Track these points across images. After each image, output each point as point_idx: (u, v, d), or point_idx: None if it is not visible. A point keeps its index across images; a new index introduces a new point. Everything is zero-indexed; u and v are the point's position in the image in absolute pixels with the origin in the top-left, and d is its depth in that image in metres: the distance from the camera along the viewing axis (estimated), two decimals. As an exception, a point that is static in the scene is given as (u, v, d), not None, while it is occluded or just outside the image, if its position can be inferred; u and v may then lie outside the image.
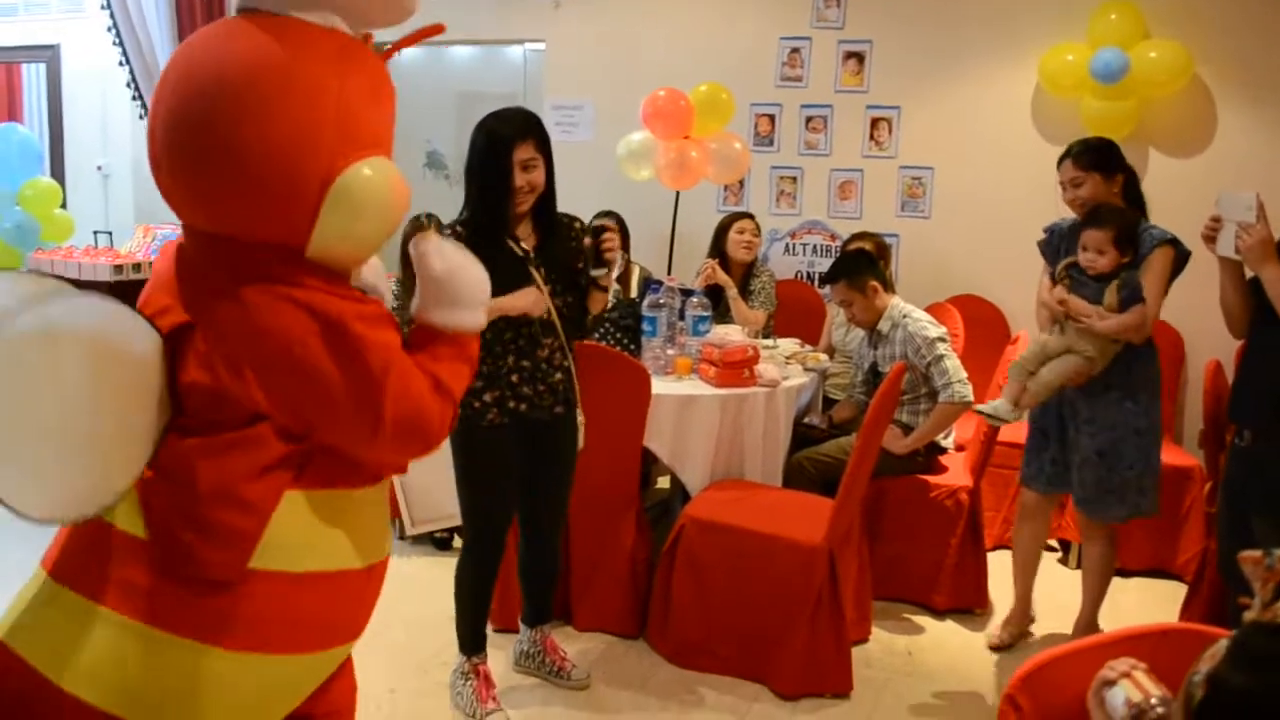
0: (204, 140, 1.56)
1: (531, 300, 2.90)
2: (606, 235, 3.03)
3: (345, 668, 1.98)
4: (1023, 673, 1.64)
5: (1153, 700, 1.40)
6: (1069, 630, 3.80)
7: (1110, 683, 1.47)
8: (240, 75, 1.57)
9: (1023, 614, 3.76)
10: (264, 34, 1.60)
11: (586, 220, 4.68)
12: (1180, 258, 3.34)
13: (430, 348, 1.78)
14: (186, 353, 1.61)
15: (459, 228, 2.92)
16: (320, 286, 1.61)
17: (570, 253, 3.05)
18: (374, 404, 1.61)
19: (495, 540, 3.09)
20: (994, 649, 3.68)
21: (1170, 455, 4.40)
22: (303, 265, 1.62)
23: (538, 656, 3.34)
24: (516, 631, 3.42)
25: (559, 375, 3.04)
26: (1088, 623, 3.59)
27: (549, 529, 3.25)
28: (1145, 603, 4.14)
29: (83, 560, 1.66)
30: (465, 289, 1.82)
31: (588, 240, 3.07)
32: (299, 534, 1.68)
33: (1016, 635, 3.72)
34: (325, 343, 1.58)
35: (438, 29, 1.84)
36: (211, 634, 1.62)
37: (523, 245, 2.97)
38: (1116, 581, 4.27)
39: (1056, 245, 3.57)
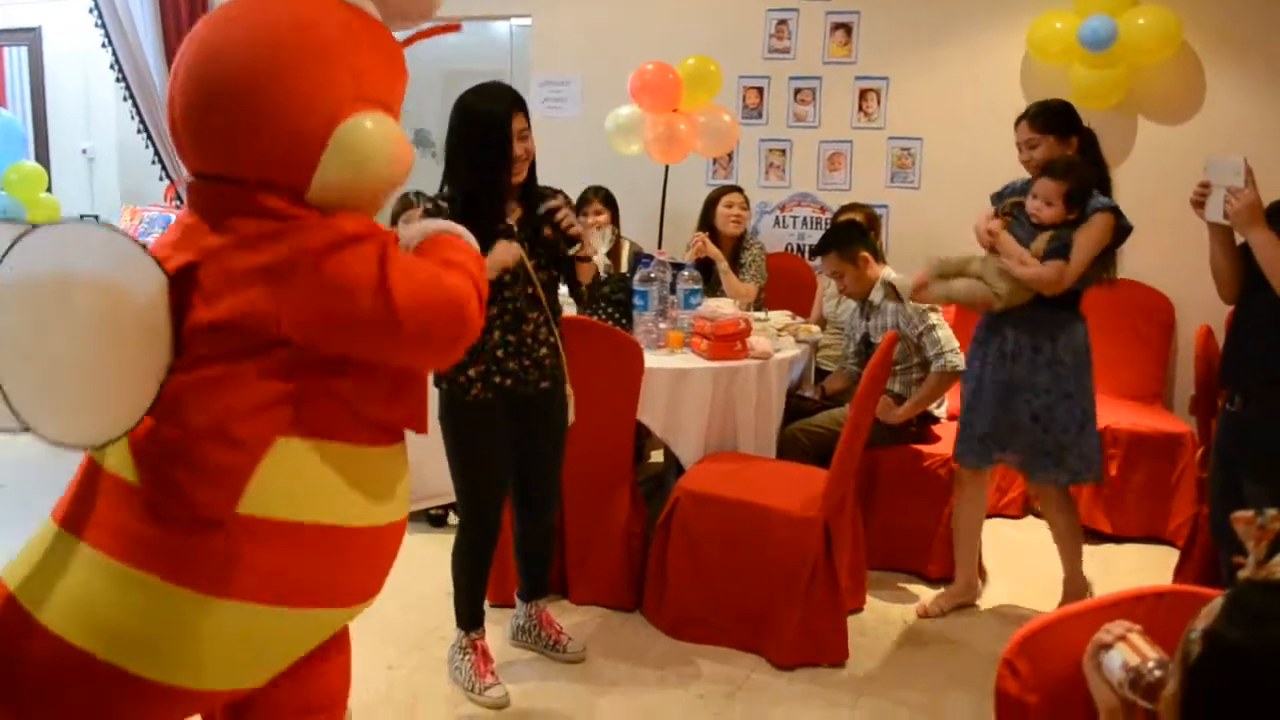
0: (227, 84, 1.69)
1: (503, 251, 2.82)
2: (560, 213, 2.95)
3: (341, 646, 1.99)
4: (1020, 637, 1.64)
5: (1150, 663, 1.41)
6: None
7: (1106, 646, 1.48)
8: (270, 26, 1.71)
9: (965, 585, 3.74)
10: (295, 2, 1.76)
11: (574, 196, 4.69)
12: (1121, 230, 3.36)
13: (427, 247, 1.86)
14: (191, 292, 1.68)
15: (442, 203, 2.89)
16: (341, 219, 1.72)
17: (544, 228, 3.02)
18: (382, 295, 1.66)
19: (489, 516, 3.08)
20: (922, 617, 3.67)
21: (1161, 421, 4.44)
22: (302, 205, 1.71)
23: (534, 631, 3.35)
24: (513, 606, 3.43)
25: (544, 350, 3.03)
26: (1075, 584, 3.61)
27: (542, 505, 3.25)
28: (1138, 568, 4.16)
29: (76, 501, 1.74)
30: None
31: (547, 230, 2.99)
32: (291, 481, 1.70)
33: (949, 607, 3.70)
34: (326, 254, 1.67)
35: (452, 27, 1.95)
36: (192, 578, 1.65)
37: (507, 220, 2.96)
38: (1110, 548, 4.32)
39: (1010, 195, 3.59)
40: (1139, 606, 1.67)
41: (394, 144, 1.75)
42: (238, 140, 1.70)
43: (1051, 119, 3.43)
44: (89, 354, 1.61)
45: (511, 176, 2.90)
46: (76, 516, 1.73)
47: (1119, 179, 4.81)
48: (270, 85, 1.67)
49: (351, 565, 1.82)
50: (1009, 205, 3.44)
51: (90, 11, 6.33)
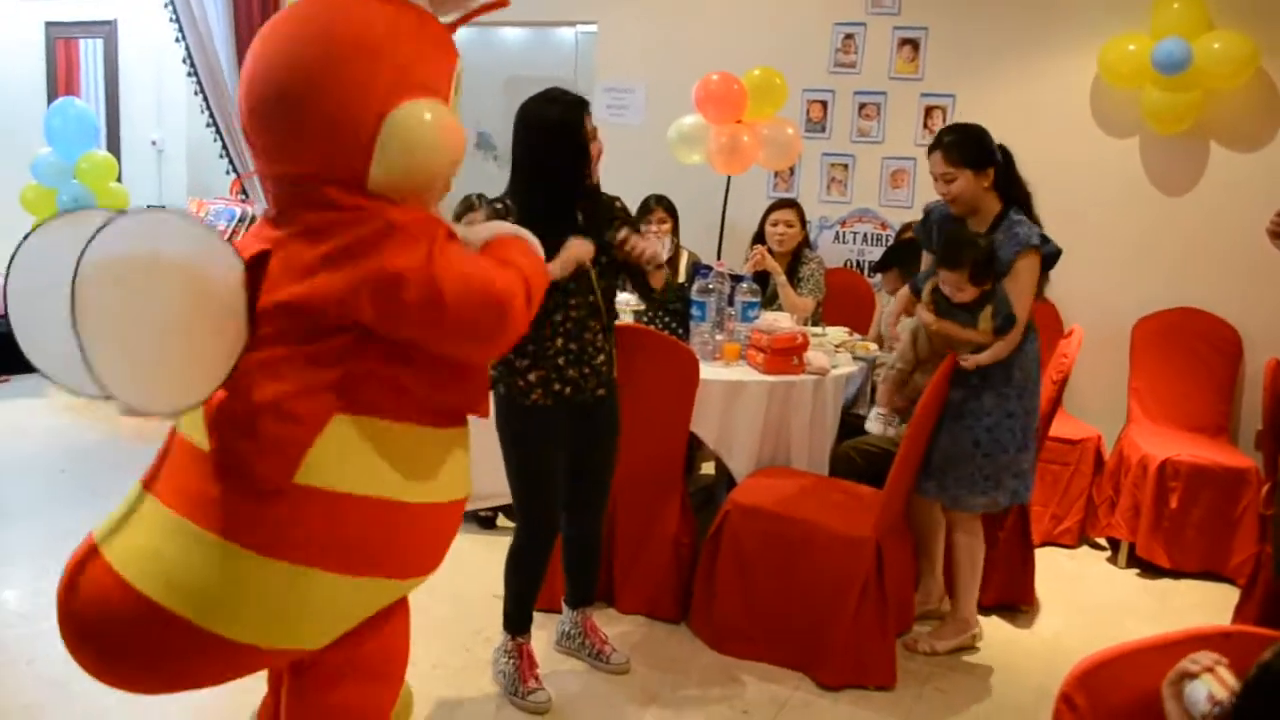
0: (280, 89, 1.83)
1: (579, 247, 2.81)
2: (629, 244, 2.94)
3: (400, 616, 2.10)
4: (1079, 671, 1.61)
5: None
6: (1121, 629, 3.77)
7: (1191, 675, 1.45)
8: (314, 32, 1.84)
9: (965, 622, 3.58)
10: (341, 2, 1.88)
11: (635, 203, 4.70)
12: (1048, 258, 3.25)
13: (491, 247, 1.98)
14: (262, 278, 1.83)
15: (503, 204, 2.90)
16: (397, 213, 1.83)
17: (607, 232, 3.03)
18: (427, 285, 1.77)
19: (548, 521, 3.08)
20: (910, 650, 3.54)
21: (1225, 455, 4.35)
22: (364, 195, 1.83)
23: (578, 638, 3.34)
24: (558, 611, 3.43)
25: (601, 358, 3.03)
26: (964, 620, 3.53)
27: (593, 512, 3.24)
28: (1195, 604, 4.08)
29: (157, 464, 1.92)
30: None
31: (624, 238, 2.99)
32: (346, 456, 1.83)
33: (944, 649, 3.54)
34: (378, 243, 1.79)
35: (502, 3, 2.01)
36: (252, 539, 1.79)
37: (579, 224, 2.96)
38: (1167, 583, 4.24)
39: (932, 228, 3.47)
40: (1207, 645, 1.62)
41: (443, 129, 1.84)
42: (297, 139, 1.84)
43: (967, 151, 3.27)
44: (170, 329, 1.74)
45: (589, 178, 2.94)
46: (153, 477, 1.90)
47: (1186, 205, 4.80)
48: (320, 83, 1.80)
49: (405, 538, 1.93)
50: (929, 297, 3.33)
51: (165, 6, 6.44)
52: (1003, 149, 3.34)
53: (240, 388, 1.81)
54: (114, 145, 7.59)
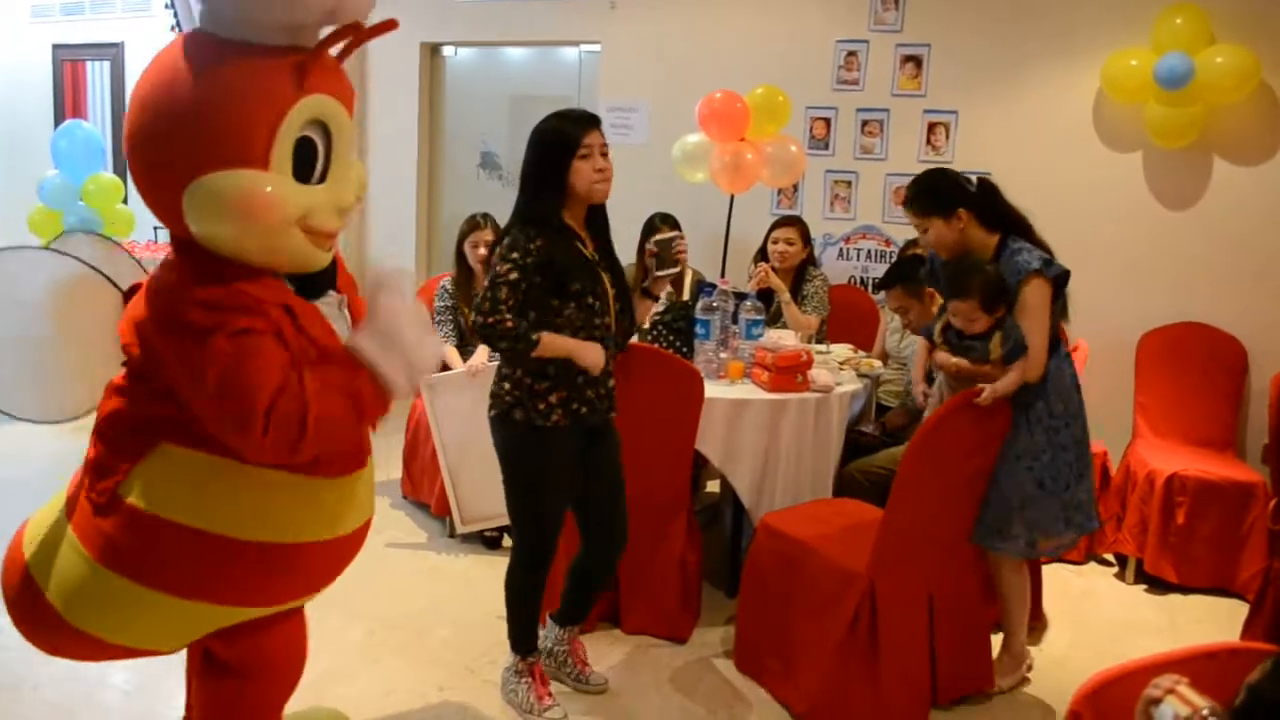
0: (125, 147, 1.92)
1: (597, 357, 2.88)
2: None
3: (281, 623, 2.25)
4: (1088, 688, 1.61)
5: (1203, 709, 1.38)
6: (1129, 646, 3.75)
7: (1156, 701, 1.45)
8: (139, 90, 1.90)
9: (1023, 652, 3.55)
10: (167, 55, 1.91)
11: (639, 222, 4.71)
12: (1058, 281, 3.18)
13: (327, 365, 1.93)
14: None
15: (537, 242, 2.83)
16: (210, 293, 1.85)
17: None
18: (200, 368, 1.82)
19: (551, 542, 3.06)
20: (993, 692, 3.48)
21: (1232, 469, 4.33)
22: (197, 248, 1.89)
23: (560, 656, 3.29)
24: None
25: (611, 380, 3.04)
26: (1019, 651, 3.47)
27: (617, 538, 3.19)
28: (1204, 619, 4.06)
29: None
30: (416, 351, 2.00)
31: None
32: (168, 483, 1.94)
33: (1016, 681, 3.50)
34: (177, 316, 1.85)
35: (389, 25, 1.95)
36: (92, 547, 1.98)
37: (589, 248, 2.95)
38: (1176, 598, 4.22)
39: (938, 271, 3.39)
40: (1212, 663, 1.63)
41: (236, 203, 1.82)
42: (144, 199, 1.95)
43: (929, 201, 3.23)
44: (37, 349, 2.00)
45: (592, 197, 2.91)
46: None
47: (1190, 219, 4.80)
48: (142, 154, 1.89)
49: (228, 570, 1.99)
50: (940, 337, 3.28)
51: (171, 29, 6.49)
52: (982, 181, 3.30)
53: (101, 402, 2.02)
54: (121, 167, 7.62)
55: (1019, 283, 3.13)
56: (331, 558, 2.15)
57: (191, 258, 1.90)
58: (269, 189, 1.82)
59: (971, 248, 3.24)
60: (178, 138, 1.82)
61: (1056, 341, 3.24)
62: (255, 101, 1.83)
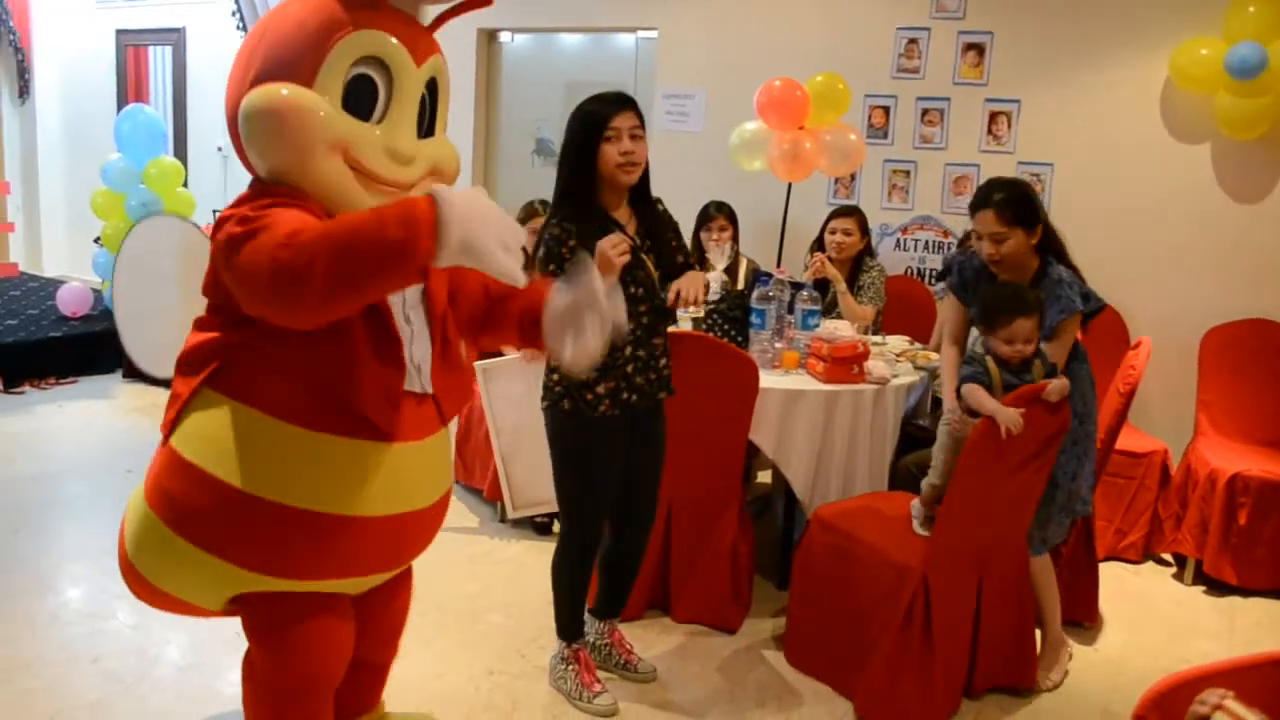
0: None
1: (610, 245, 2.71)
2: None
3: (329, 624, 2.12)
4: (1154, 693, 1.58)
5: None
6: (1186, 647, 3.68)
7: (1203, 717, 1.42)
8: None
9: (1061, 639, 3.53)
10: None
11: (694, 210, 4.69)
12: (1088, 316, 3.20)
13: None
14: None
15: (566, 225, 2.83)
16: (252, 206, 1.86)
17: (666, 237, 3.04)
18: (232, 253, 1.80)
19: (596, 529, 3.06)
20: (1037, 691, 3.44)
21: (1298, 469, 4.23)
22: (264, 185, 1.94)
23: (604, 649, 3.29)
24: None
25: (664, 361, 3.03)
26: (1059, 641, 3.46)
27: (644, 527, 3.20)
28: (1265, 624, 3.97)
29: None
30: (495, 219, 1.75)
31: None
32: (205, 430, 1.95)
33: (1061, 676, 3.47)
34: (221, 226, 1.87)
35: (485, 1, 2.04)
36: (146, 485, 2.06)
37: (629, 232, 2.92)
38: (1235, 600, 4.14)
39: (970, 283, 3.33)
40: (1278, 671, 1.59)
41: (266, 107, 1.85)
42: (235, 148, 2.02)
43: (1021, 210, 3.14)
44: (169, 304, 2.05)
45: (620, 178, 2.85)
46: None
47: (1261, 213, 4.70)
48: (227, 92, 1.98)
49: (245, 530, 1.94)
50: (998, 370, 3.07)
51: (232, 14, 6.56)
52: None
53: None
54: (181, 151, 7.75)
55: (1060, 320, 3.13)
56: (372, 539, 2.02)
57: (250, 190, 1.97)
58: (286, 93, 1.85)
59: (1023, 266, 3.20)
60: (245, 58, 1.95)
61: (1075, 342, 3.26)
62: (309, 22, 1.90)
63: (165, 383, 2.14)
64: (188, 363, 1.99)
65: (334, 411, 1.92)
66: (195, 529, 1.96)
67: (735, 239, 4.80)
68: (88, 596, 3.65)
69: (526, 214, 4.58)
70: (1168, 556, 4.50)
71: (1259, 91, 4.44)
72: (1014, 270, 3.21)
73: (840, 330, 3.83)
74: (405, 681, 3.08)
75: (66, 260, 8.76)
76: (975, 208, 3.21)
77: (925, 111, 5.39)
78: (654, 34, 6.14)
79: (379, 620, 2.35)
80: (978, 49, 5.24)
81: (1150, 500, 4.45)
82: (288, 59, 1.88)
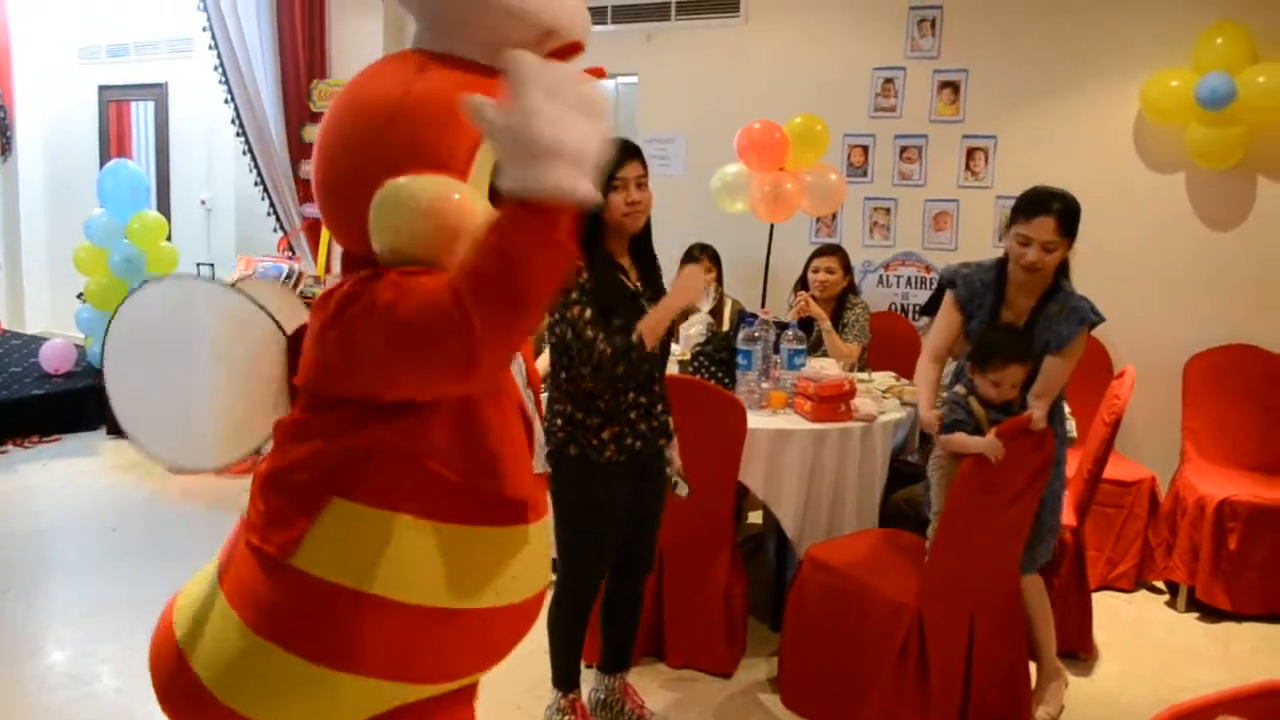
0: (317, 158, 1.78)
1: (693, 285, 2.86)
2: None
3: (459, 714, 1.98)
4: (1161, 722, 1.57)
5: None
6: (1182, 675, 3.68)
7: None
8: (341, 97, 1.78)
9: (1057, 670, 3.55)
10: (376, 65, 1.80)
11: (677, 254, 4.71)
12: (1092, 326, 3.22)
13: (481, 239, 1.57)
14: (299, 354, 1.78)
15: (583, 275, 2.81)
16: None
17: (663, 284, 3.05)
18: (383, 315, 1.57)
19: (598, 578, 3.05)
20: None
21: (1286, 493, 4.25)
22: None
23: (616, 705, 3.25)
24: (590, 666, 3.34)
25: (661, 407, 3.02)
26: (1055, 671, 3.47)
27: (644, 572, 3.19)
28: (1260, 649, 3.98)
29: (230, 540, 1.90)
30: (560, 130, 1.48)
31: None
32: (343, 545, 1.72)
33: (1057, 711, 3.48)
34: (348, 300, 1.63)
35: (598, 72, 1.79)
36: (249, 614, 1.75)
37: (633, 281, 2.94)
38: (1229, 626, 4.14)
39: (978, 294, 3.31)
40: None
41: (429, 204, 1.63)
42: (324, 212, 1.80)
43: (1074, 222, 3.14)
44: (197, 391, 1.87)
45: (626, 227, 2.89)
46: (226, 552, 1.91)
47: (1236, 240, 4.76)
48: (335, 161, 1.74)
49: (407, 642, 1.76)
50: (983, 410, 3.13)
51: (215, 69, 6.59)
52: None
53: (269, 454, 1.82)
54: (164, 205, 7.76)
55: (1078, 330, 3.14)
56: (513, 625, 1.91)
57: (354, 268, 1.72)
58: (458, 195, 1.65)
59: (1046, 279, 3.21)
60: (378, 136, 1.68)
61: None
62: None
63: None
64: (296, 479, 1.74)
65: (481, 500, 1.78)
66: (341, 649, 1.73)
67: (719, 281, 4.83)
68: (73, 659, 3.60)
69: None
70: (1160, 584, 4.51)
71: (1229, 121, 4.51)
72: (1037, 285, 3.20)
73: (826, 369, 3.85)
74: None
75: (49, 317, 8.73)
76: (1031, 212, 3.13)
77: (903, 149, 5.45)
78: (634, 79, 6.20)
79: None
80: (953, 87, 5.31)
81: (1140, 528, 4.46)
82: (440, 142, 1.67)
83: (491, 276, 1.50)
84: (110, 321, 1.91)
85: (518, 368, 1.93)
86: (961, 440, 3.04)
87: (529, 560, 1.87)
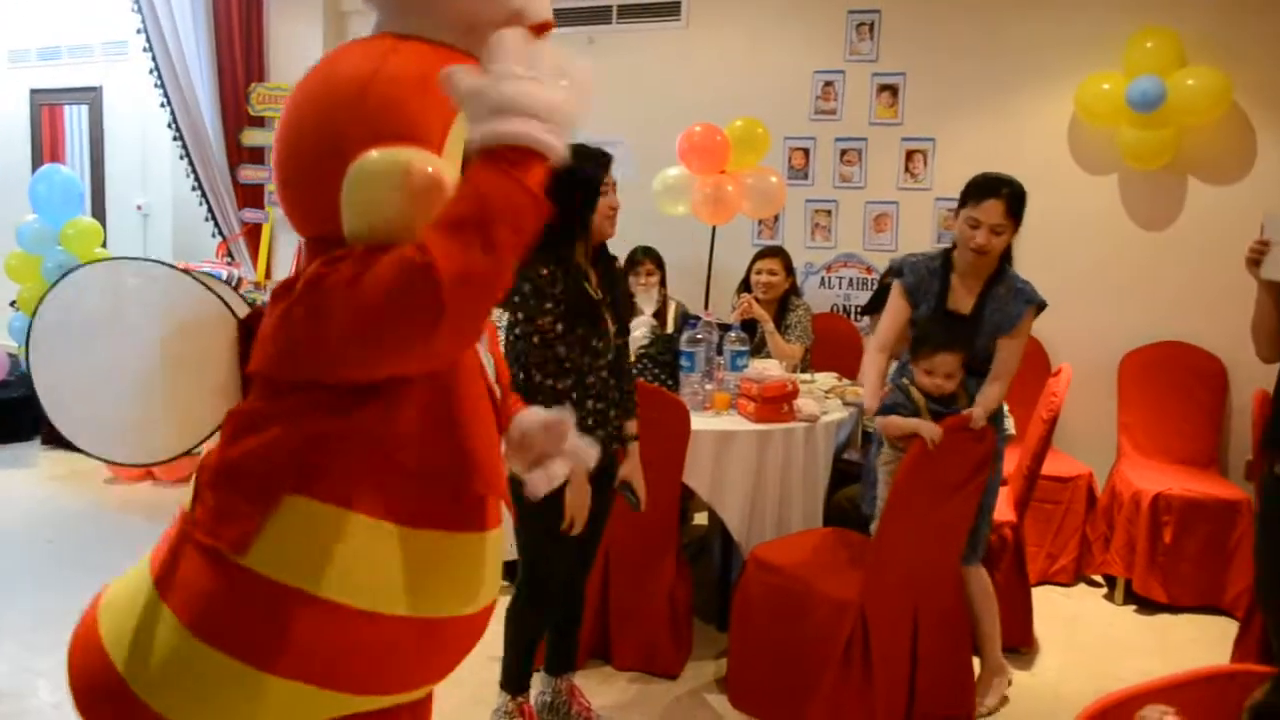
0: (281, 143, 1.70)
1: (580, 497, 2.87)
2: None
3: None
4: (1090, 713, 1.60)
5: None
6: (1121, 667, 3.75)
7: None
8: (308, 84, 1.69)
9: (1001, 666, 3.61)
10: (343, 47, 1.73)
11: (621, 255, 4.72)
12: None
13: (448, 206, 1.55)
14: (250, 341, 1.71)
15: (553, 268, 2.81)
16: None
17: (621, 290, 3.10)
18: (351, 289, 1.50)
19: (560, 579, 3.01)
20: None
21: (1216, 487, 4.36)
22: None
23: (563, 708, 3.24)
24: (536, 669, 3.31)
25: (614, 412, 3.01)
26: (999, 667, 3.52)
27: (586, 575, 3.19)
28: (1196, 640, 4.06)
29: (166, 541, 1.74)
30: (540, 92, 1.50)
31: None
32: (298, 546, 1.62)
33: (997, 701, 3.54)
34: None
35: (548, 25, 1.76)
36: (188, 612, 1.63)
37: (595, 288, 2.94)
38: (1166, 618, 4.23)
39: (924, 282, 3.35)
40: (1210, 687, 1.63)
41: (407, 176, 1.56)
42: (289, 199, 1.71)
43: (1021, 206, 3.25)
44: (130, 381, 1.76)
45: (601, 233, 2.97)
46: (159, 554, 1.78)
47: (1167, 239, 4.86)
48: (302, 141, 1.65)
49: (352, 649, 1.68)
50: (914, 390, 3.18)
51: (150, 72, 6.49)
52: None
53: (218, 443, 1.70)
54: (99, 211, 7.61)
55: (1025, 311, 3.23)
56: (463, 636, 1.83)
57: (316, 250, 1.64)
58: (431, 168, 1.57)
59: (990, 264, 3.29)
60: (351, 112, 1.60)
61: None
62: (431, 79, 1.62)
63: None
64: (251, 471, 1.64)
65: (442, 502, 1.71)
66: (287, 657, 1.64)
67: (663, 283, 4.85)
68: (9, 674, 3.52)
69: None
70: (1098, 578, 4.60)
71: (1159, 124, 4.61)
72: (984, 269, 3.28)
73: (769, 370, 3.87)
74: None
75: (-19, 326, 8.55)
76: (981, 196, 3.21)
77: (844, 152, 5.50)
78: (575, 82, 6.19)
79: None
80: (891, 90, 5.37)
81: (1078, 523, 4.55)
82: (415, 116, 1.61)
83: (457, 221, 1.46)
84: (36, 309, 1.80)
85: (488, 362, 1.85)
86: (898, 422, 3.11)
87: (483, 570, 1.80)
